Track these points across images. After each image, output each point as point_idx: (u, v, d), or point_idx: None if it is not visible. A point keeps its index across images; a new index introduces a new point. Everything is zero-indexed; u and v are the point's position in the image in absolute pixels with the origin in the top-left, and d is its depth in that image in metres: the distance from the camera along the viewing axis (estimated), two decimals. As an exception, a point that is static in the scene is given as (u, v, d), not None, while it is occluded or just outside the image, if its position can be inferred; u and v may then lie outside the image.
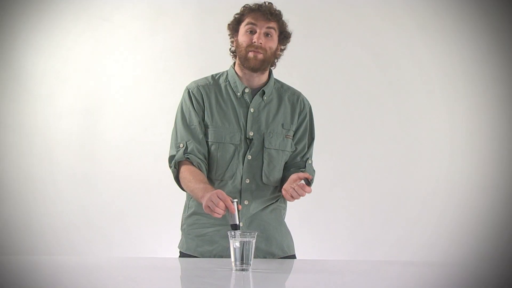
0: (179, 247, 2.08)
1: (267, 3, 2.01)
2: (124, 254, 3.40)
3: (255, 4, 2.01)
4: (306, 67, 3.52)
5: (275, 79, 2.11)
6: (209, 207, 1.76)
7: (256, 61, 1.97)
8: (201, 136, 1.99)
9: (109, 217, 3.50)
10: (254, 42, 1.96)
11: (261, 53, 1.97)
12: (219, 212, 1.74)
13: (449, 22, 3.52)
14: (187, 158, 1.96)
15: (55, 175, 3.52)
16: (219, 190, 1.78)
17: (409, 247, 3.45)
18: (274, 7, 2.02)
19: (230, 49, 2.08)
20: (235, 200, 1.77)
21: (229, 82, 2.05)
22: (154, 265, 1.81)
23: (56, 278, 1.63)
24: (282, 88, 2.11)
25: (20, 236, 3.46)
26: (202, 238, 2.01)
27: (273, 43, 2.00)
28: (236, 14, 2.03)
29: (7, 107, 3.51)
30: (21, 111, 3.52)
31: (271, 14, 1.98)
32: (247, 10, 2.00)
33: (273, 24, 1.99)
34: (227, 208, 1.75)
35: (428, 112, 3.55)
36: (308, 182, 1.85)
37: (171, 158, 2.00)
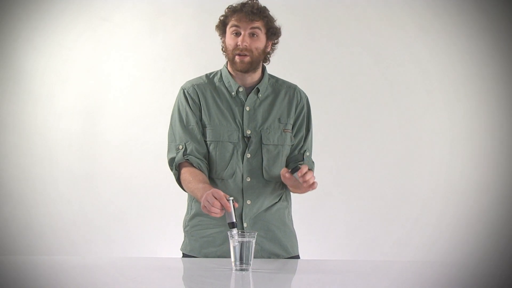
0: (181, 249, 2.06)
1: (250, 1, 1.97)
2: (124, 254, 3.40)
3: (238, 4, 1.96)
4: (306, 67, 3.52)
5: (269, 74, 2.09)
6: (205, 207, 1.76)
7: (243, 65, 1.96)
8: (199, 136, 1.98)
9: (109, 217, 3.50)
10: (239, 45, 1.94)
11: (247, 56, 1.95)
12: (215, 211, 1.73)
13: (449, 22, 3.52)
14: (187, 159, 1.96)
15: (55, 175, 3.52)
16: (215, 189, 1.77)
17: (409, 247, 3.45)
18: (259, 4, 1.98)
19: (222, 49, 2.05)
20: (231, 198, 1.76)
21: (223, 81, 2.04)
22: (154, 265, 1.81)
23: (56, 278, 1.63)
24: (277, 83, 2.09)
25: (20, 236, 3.46)
26: (206, 239, 2.00)
27: (259, 43, 1.97)
28: (221, 16, 2.01)
29: (7, 107, 3.51)
30: (21, 111, 3.52)
31: (254, 14, 1.94)
32: (231, 11, 1.97)
33: (257, 24, 1.95)
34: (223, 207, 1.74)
35: (428, 112, 3.55)
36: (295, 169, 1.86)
37: (171, 160, 2.00)
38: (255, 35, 1.96)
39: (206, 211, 1.76)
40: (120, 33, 3.55)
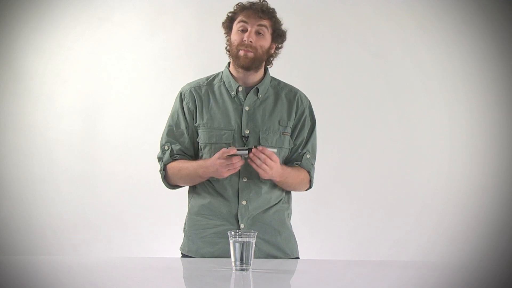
0: (180, 249, 2.07)
1: (261, 1, 2.01)
2: (124, 254, 3.40)
3: (248, 2, 2.01)
4: (306, 67, 3.52)
5: (271, 77, 2.09)
6: (227, 170, 1.87)
7: (246, 59, 1.96)
8: (186, 140, 2.01)
9: (109, 217, 3.50)
10: (245, 40, 1.96)
11: (251, 52, 1.96)
12: (238, 166, 1.87)
13: (449, 22, 3.52)
14: (175, 158, 2.01)
15: (55, 175, 3.52)
16: (217, 155, 1.87)
17: (409, 247, 3.45)
18: (268, 5, 2.01)
19: (226, 47, 2.06)
20: (227, 146, 1.90)
21: (223, 82, 2.05)
22: (154, 265, 1.81)
23: (56, 278, 1.63)
24: (279, 86, 2.09)
25: (20, 236, 3.46)
26: (203, 239, 2.00)
27: (264, 42, 1.99)
28: (230, 12, 2.03)
29: (7, 107, 3.51)
30: (21, 111, 3.52)
31: (263, 12, 1.97)
32: (240, 8, 2.01)
33: (265, 22, 1.97)
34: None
35: (428, 112, 3.55)
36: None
37: (158, 159, 2.05)
38: (261, 34, 1.98)
39: (229, 172, 1.88)
40: (120, 33, 3.55)
